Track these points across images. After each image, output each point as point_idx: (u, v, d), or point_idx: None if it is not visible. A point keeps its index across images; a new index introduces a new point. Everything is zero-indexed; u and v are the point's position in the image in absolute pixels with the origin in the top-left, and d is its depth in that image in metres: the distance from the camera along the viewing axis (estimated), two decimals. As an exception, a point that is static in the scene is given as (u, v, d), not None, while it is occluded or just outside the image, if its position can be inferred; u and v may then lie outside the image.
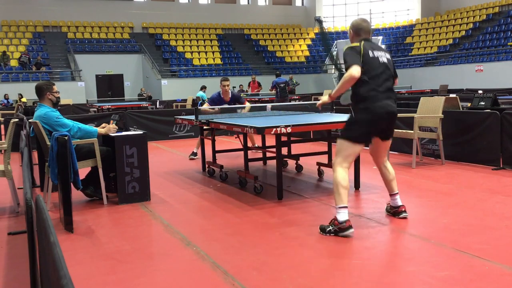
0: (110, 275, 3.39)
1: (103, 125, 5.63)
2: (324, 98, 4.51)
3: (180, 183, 6.57)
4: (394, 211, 4.51)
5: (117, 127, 5.60)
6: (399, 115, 7.69)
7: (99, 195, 5.42)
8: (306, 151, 6.88)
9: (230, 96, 8.27)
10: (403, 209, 4.46)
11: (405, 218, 4.42)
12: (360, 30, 4.25)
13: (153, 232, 4.49)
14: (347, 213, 4.00)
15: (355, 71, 3.91)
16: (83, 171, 5.75)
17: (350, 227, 3.95)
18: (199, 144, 7.96)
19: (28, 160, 4.90)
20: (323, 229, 4.07)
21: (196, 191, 6.05)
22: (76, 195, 6.05)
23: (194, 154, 8.52)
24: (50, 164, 4.59)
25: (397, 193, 4.50)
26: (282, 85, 15.88)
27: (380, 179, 4.67)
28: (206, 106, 8.12)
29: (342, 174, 4.05)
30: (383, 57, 4.16)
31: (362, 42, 4.12)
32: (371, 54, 4.07)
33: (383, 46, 4.58)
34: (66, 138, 4.38)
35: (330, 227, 4.00)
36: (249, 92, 23.03)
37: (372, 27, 30.62)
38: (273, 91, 16.52)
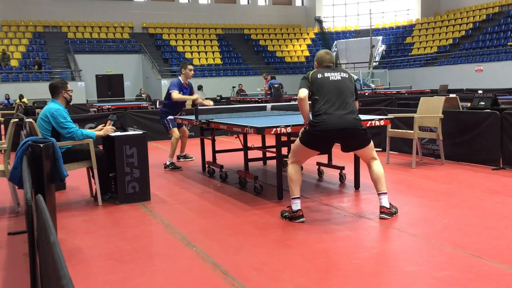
0: (110, 275, 3.40)
1: (100, 127, 5.64)
2: (302, 130, 4.63)
3: (180, 183, 6.57)
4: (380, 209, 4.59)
5: (114, 128, 5.60)
6: (399, 115, 7.81)
7: (116, 199, 5.44)
8: (306, 151, 6.86)
9: (187, 84, 7.90)
10: (383, 210, 4.49)
11: (383, 219, 4.45)
12: (322, 61, 4.63)
13: (153, 232, 4.49)
14: (299, 203, 4.47)
15: (300, 93, 4.36)
16: (80, 172, 5.76)
17: (301, 216, 4.45)
18: (174, 146, 7.73)
19: (28, 160, 4.89)
20: (281, 214, 4.61)
21: (196, 191, 6.05)
22: (76, 195, 6.06)
23: (184, 157, 8.37)
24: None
25: (382, 193, 4.53)
26: (276, 85, 16.33)
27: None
28: (177, 94, 7.61)
29: (293, 169, 4.52)
30: (336, 76, 4.47)
31: (314, 71, 4.55)
32: (319, 76, 4.44)
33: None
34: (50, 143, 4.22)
35: (286, 213, 4.54)
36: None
37: (372, 27, 30.73)
38: (268, 92, 16.83)
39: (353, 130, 4.35)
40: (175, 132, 7.73)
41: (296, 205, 4.47)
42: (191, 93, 8.01)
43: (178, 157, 8.32)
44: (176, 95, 7.60)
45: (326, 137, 4.38)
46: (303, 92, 4.36)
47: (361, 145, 4.52)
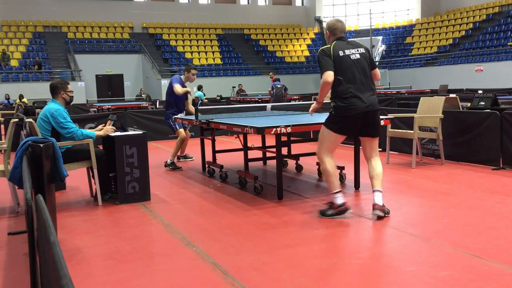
0: (110, 275, 3.40)
1: (100, 127, 5.64)
2: (313, 105, 4.71)
3: (180, 183, 6.57)
4: (373, 206, 4.48)
5: (114, 128, 5.60)
6: (399, 115, 7.80)
7: (116, 199, 5.44)
8: (306, 151, 6.88)
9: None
10: (376, 207, 4.40)
11: (378, 217, 4.38)
12: (335, 30, 4.51)
13: (153, 232, 4.49)
14: (342, 196, 4.36)
15: (328, 76, 4.24)
16: (80, 172, 5.76)
17: (348, 209, 4.34)
18: (179, 146, 7.80)
19: (28, 160, 4.89)
20: (323, 213, 4.41)
21: (196, 191, 6.05)
22: (76, 195, 6.06)
23: (184, 157, 8.36)
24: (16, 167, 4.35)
25: (376, 190, 4.46)
26: (279, 86, 16.45)
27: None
28: (181, 88, 7.67)
29: (328, 163, 4.41)
30: (355, 54, 4.39)
31: (333, 43, 4.42)
32: (341, 54, 4.33)
33: (357, 40, 4.82)
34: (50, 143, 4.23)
35: (330, 211, 4.36)
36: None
37: (372, 27, 30.75)
38: (270, 92, 16.94)
39: (376, 112, 4.39)
40: (181, 133, 7.75)
41: (340, 199, 4.35)
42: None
43: (178, 157, 8.32)
44: (179, 88, 7.67)
45: (356, 120, 4.31)
46: (331, 76, 4.23)
47: (377, 131, 4.52)
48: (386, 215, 4.45)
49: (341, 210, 4.32)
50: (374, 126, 4.46)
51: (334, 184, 4.37)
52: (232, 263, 3.51)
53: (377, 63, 30.57)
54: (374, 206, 4.43)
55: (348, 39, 4.53)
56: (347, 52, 4.35)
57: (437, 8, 32.56)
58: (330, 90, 4.38)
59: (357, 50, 4.41)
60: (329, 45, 4.43)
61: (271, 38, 34.35)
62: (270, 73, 23.13)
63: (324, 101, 4.73)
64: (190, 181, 6.72)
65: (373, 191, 4.49)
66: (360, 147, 4.91)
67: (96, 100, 25.62)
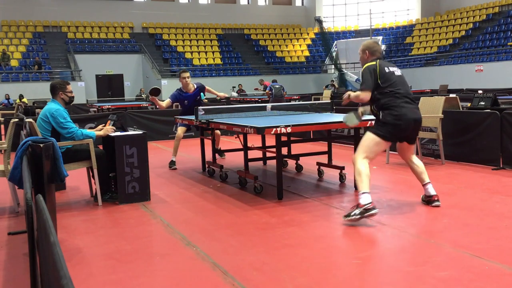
0: (110, 275, 3.40)
1: (100, 127, 5.64)
2: (345, 96, 4.82)
3: (180, 183, 6.57)
4: (428, 200, 4.86)
5: (114, 128, 5.60)
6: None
7: (116, 199, 5.44)
8: (306, 151, 6.88)
9: (194, 88, 8.05)
10: (435, 198, 4.78)
11: (437, 206, 4.75)
12: (376, 52, 4.79)
13: (153, 232, 4.49)
14: (370, 196, 4.39)
15: (364, 96, 4.55)
16: (80, 172, 5.76)
17: (374, 207, 4.36)
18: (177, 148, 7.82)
19: (28, 160, 4.89)
20: (348, 215, 4.36)
21: (196, 191, 6.05)
22: (76, 195, 6.06)
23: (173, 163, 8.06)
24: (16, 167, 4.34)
25: (428, 182, 4.81)
26: (277, 86, 16.54)
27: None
28: (163, 103, 7.86)
29: (365, 165, 4.53)
30: (397, 71, 4.71)
31: (378, 61, 4.66)
32: (387, 70, 4.62)
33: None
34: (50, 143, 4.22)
35: (356, 210, 4.33)
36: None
37: (372, 27, 30.74)
38: (268, 93, 17.01)
39: (420, 121, 4.72)
40: (178, 132, 7.77)
41: (368, 198, 4.37)
42: (199, 94, 8.13)
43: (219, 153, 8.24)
44: (161, 103, 7.91)
45: (406, 128, 4.57)
46: (367, 96, 4.54)
47: (415, 138, 4.93)
48: (439, 204, 4.80)
49: (368, 208, 4.33)
50: (416, 134, 4.88)
51: (366, 185, 4.45)
52: (232, 263, 3.51)
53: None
54: (434, 197, 4.79)
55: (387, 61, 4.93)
56: (392, 69, 4.67)
57: (437, 8, 32.55)
58: (377, 102, 4.60)
59: (397, 69, 4.74)
60: (373, 62, 4.66)
61: (271, 38, 34.34)
62: (260, 80, 23.26)
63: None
64: (190, 181, 6.72)
65: (424, 184, 4.83)
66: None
67: (96, 100, 25.62)
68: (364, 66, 4.67)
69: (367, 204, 4.33)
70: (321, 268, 3.39)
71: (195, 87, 8.09)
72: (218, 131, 7.72)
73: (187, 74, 8.00)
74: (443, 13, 31.70)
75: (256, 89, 23.57)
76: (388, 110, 4.52)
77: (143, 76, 29.40)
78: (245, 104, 17.04)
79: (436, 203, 4.79)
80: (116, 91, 28.48)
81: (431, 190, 4.83)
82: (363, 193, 4.40)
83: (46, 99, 16.69)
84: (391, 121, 4.51)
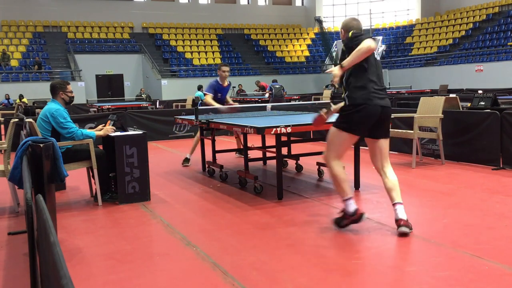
0: (110, 275, 3.40)
1: (100, 127, 5.64)
2: (335, 70, 3.96)
3: (180, 183, 6.57)
4: (396, 223, 3.98)
5: (114, 128, 5.60)
6: (399, 115, 7.81)
7: (116, 199, 5.44)
8: (306, 151, 6.88)
9: (227, 83, 8.21)
10: (401, 223, 3.90)
11: (403, 234, 3.90)
12: (351, 28, 4.20)
13: (153, 232, 4.49)
14: (354, 202, 4.06)
15: (371, 42, 3.87)
16: (80, 172, 5.76)
17: (361, 215, 4.04)
18: (195, 146, 7.87)
19: (28, 160, 4.89)
20: (338, 223, 4.16)
21: (196, 191, 6.05)
22: (76, 195, 6.06)
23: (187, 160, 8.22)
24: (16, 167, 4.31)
25: (398, 203, 3.98)
26: (277, 86, 16.57)
27: (379, 179, 4.64)
28: (209, 98, 7.92)
29: (337, 167, 4.11)
30: (376, 54, 4.13)
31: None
32: None
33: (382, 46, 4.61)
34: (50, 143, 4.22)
35: (344, 220, 4.10)
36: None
37: (372, 27, 30.72)
38: (268, 93, 17.06)
39: (389, 110, 4.10)
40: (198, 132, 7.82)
41: (352, 205, 4.02)
42: (227, 92, 8.28)
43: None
44: (208, 99, 7.90)
45: (371, 116, 3.95)
46: (374, 43, 3.89)
47: (388, 133, 4.19)
48: (411, 230, 3.95)
49: (354, 219, 4.00)
50: (385, 126, 4.11)
51: (345, 191, 4.02)
52: (232, 263, 3.51)
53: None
54: (399, 221, 3.92)
55: None
56: None
57: (437, 8, 32.55)
58: (345, 84, 4.05)
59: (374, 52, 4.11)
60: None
61: (271, 38, 34.34)
62: (256, 81, 23.33)
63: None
64: (190, 181, 6.72)
65: (393, 204, 4.02)
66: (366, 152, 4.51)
67: (96, 100, 25.61)
68: (350, 33, 4.11)
69: (354, 213, 3.98)
70: (321, 268, 3.39)
71: (228, 82, 8.25)
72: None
73: (228, 68, 8.16)
74: (443, 13, 31.70)
75: (256, 90, 23.63)
76: (354, 94, 3.96)
77: (143, 76, 29.41)
78: (245, 104, 17.05)
79: (402, 228, 3.87)
80: (116, 91, 28.48)
81: (400, 213, 3.94)
82: (345, 199, 4.03)
83: (46, 99, 16.70)
84: (355, 107, 3.94)
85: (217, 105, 7.88)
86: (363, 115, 3.96)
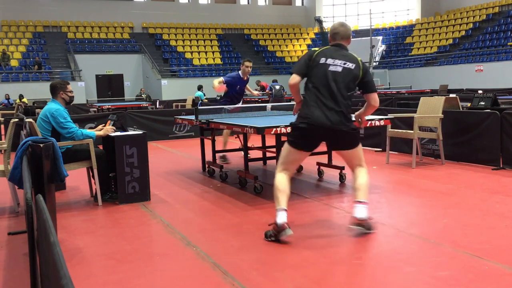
0: (110, 275, 3.40)
1: (100, 127, 5.64)
2: (295, 107, 4.33)
3: (180, 183, 6.57)
4: (351, 220, 4.04)
5: (114, 128, 5.60)
6: (399, 115, 7.80)
7: (116, 199, 5.44)
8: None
9: (247, 77, 8.31)
10: (357, 222, 3.95)
11: (356, 229, 3.97)
12: (336, 35, 4.14)
13: (153, 232, 4.49)
14: (285, 215, 3.88)
15: (292, 79, 4.04)
16: (80, 172, 5.76)
17: (287, 229, 3.83)
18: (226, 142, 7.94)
19: (28, 160, 4.89)
20: (266, 235, 3.98)
21: (196, 191, 6.05)
22: (76, 195, 6.06)
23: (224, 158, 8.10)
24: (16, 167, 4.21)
25: (359, 202, 4.00)
26: (277, 87, 16.57)
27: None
28: (216, 81, 7.90)
29: (281, 177, 4.04)
30: (339, 66, 3.98)
31: (324, 48, 4.14)
32: (321, 61, 4.00)
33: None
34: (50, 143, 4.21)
35: (270, 232, 3.93)
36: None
37: (372, 27, 30.73)
38: (269, 93, 17.03)
39: (338, 131, 3.93)
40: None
41: (282, 217, 3.85)
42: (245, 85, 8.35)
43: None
44: (215, 81, 7.93)
45: (312, 134, 3.96)
46: (294, 79, 4.01)
47: (347, 146, 4.09)
48: (369, 231, 3.98)
49: (280, 230, 3.83)
50: (341, 142, 4.08)
51: (279, 201, 3.93)
52: (232, 263, 3.51)
53: (377, 63, 30.66)
54: (356, 220, 3.97)
55: (344, 51, 4.10)
56: (330, 61, 3.98)
57: (437, 8, 32.56)
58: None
59: (344, 64, 3.98)
60: (318, 48, 4.15)
61: (271, 38, 34.36)
62: (256, 81, 23.31)
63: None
64: (190, 181, 6.72)
65: (355, 201, 4.04)
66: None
67: (96, 100, 25.63)
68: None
69: (280, 225, 3.83)
70: (321, 268, 3.39)
71: (248, 77, 8.32)
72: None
73: (251, 64, 8.25)
74: (443, 13, 31.71)
75: (256, 89, 23.62)
76: (303, 109, 4.00)
77: (143, 76, 29.42)
78: (245, 104, 17.04)
79: (356, 227, 3.97)
80: (116, 91, 28.49)
81: (359, 211, 3.95)
82: (279, 209, 3.91)
83: (46, 99, 16.70)
84: (297, 123, 3.99)
85: (217, 85, 7.85)
86: (303, 135, 4.00)
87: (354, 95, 4.16)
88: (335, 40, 4.15)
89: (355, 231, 4.02)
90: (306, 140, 4.03)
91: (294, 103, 4.31)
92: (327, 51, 4.08)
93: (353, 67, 4.01)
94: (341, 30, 4.14)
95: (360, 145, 4.18)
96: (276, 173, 4.10)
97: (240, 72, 8.15)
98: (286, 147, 4.11)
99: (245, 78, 8.24)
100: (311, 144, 4.08)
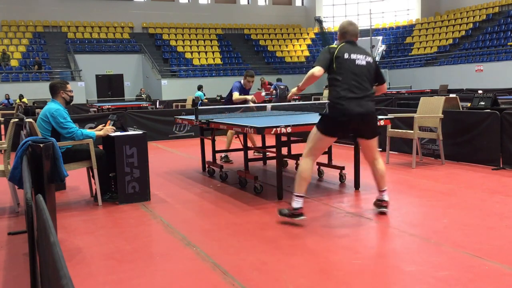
0: (110, 275, 3.40)
1: (100, 127, 5.64)
2: (293, 90, 4.76)
3: (180, 183, 6.57)
4: (377, 204, 4.72)
5: (114, 128, 5.60)
6: (399, 115, 7.80)
7: (116, 199, 5.44)
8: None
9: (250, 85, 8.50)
10: (384, 205, 4.63)
11: (382, 213, 4.62)
12: (346, 33, 4.49)
13: (153, 232, 4.49)
14: (302, 202, 4.35)
15: (316, 70, 4.27)
16: (80, 172, 5.76)
17: (301, 214, 4.34)
18: (230, 142, 7.99)
19: (28, 160, 4.89)
20: (280, 212, 4.46)
21: (196, 191, 6.05)
22: (76, 195, 6.06)
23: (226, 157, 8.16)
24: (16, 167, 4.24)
25: (385, 190, 4.66)
26: (282, 87, 16.47)
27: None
28: (237, 95, 8.15)
29: (307, 165, 4.41)
30: (362, 60, 4.37)
31: (341, 45, 4.41)
32: (346, 56, 4.32)
33: (367, 49, 4.81)
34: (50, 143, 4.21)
35: (286, 210, 4.39)
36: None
37: (372, 27, 30.73)
38: (273, 92, 16.94)
39: (369, 116, 4.34)
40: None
41: (298, 203, 4.34)
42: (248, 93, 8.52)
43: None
44: (236, 96, 8.14)
45: (348, 123, 4.30)
46: (319, 71, 4.26)
47: (372, 134, 4.50)
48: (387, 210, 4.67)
49: (295, 213, 4.33)
50: (369, 129, 4.46)
51: (301, 187, 4.36)
52: (232, 263, 3.51)
53: (377, 63, 30.56)
54: (383, 203, 4.64)
55: (359, 47, 4.48)
56: (353, 56, 4.34)
57: (437, 8, 32.56)
58: (328, 91, 4.46)
59: (365, 58, 4.39)
60: (335, 45, 4.43)
61: (271, 38, 34.35)
62: (261, 78, 23.25)
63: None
64: (190, 181, 6.72)
65: (381, 191, 4.65)
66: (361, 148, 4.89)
67: (96, 100, 25.63)
68: (326, 46, 4.47)
69: (296, 209, 4.32)
70: (321, 268, 3.40)
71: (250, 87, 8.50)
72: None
73: (253, 79, 8.41)
74: (443, 13, 31.71)
75: (259, 89, 23.56)
76: (331, 101, 4.31)
77: (143, 76, 29.41)
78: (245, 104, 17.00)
79: (382, 209, 4.64)
80: (116, 91, 28.48)
81: (385, 197, 4.66)
82: (298, 195, 4.35)
83: (46, 99, 16.71)
84: (330, 114, 4.31)
85: (249, 97, 8.15)
86: (336, 124, 4.33)
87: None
88: (345, 38, 4.48)
89: (376, 211, 4.69)
90: (342, 128, 4.38)
91: (296, 88, 4.66)
92: (346, 47, 4.39)
93: (371, 61, 4.46)
94: (350, 29, 4.50)
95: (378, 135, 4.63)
96: (303, 159, 4.45)
97: (242, 82, 8.30)
98: (317, 135, 4.40)
99: (247, 88, 8.41)
100: (345, 132, 4.56)
